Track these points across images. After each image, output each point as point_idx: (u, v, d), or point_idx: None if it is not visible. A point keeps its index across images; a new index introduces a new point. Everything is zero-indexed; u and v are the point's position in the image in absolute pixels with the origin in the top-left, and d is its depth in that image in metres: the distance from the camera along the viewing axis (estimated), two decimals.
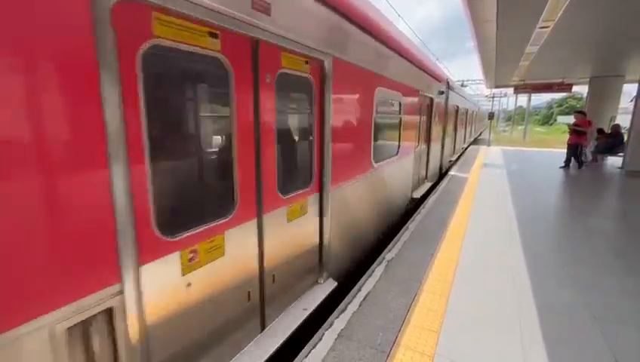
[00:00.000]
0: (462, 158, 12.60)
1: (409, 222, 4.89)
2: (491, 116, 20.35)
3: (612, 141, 10.89)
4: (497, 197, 6.26)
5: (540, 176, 8.81)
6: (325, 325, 2.46)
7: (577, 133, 9.70)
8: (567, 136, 10.37)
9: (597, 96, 14.14)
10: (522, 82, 16.50)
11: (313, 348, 2.21)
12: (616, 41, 8.40)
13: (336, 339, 2.30)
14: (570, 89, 16.52)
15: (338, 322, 2.49)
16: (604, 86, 13.94)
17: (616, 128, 11.16)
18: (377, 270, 3.33)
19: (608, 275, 3.26)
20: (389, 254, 3.71)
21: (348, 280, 3.42)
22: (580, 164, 9.90)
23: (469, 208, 5.54)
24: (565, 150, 10.09)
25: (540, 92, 17.39)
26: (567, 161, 9.93)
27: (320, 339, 2.29)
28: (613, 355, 2.18)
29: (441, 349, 2.20)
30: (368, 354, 2.16)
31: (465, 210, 5.41)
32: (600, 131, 11.34)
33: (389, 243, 4.14)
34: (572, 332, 2.42)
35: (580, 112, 10.18)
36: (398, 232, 4.49)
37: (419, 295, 2.88)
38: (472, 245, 3.97)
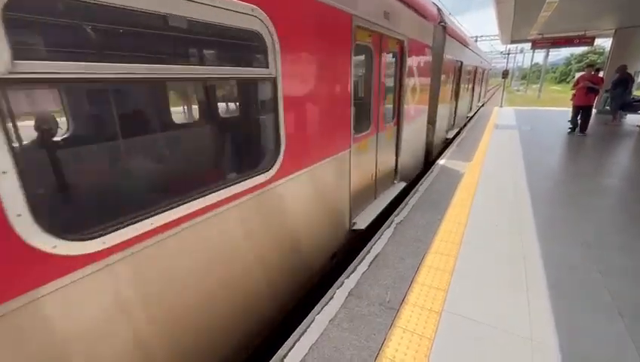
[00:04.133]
0: (474, 118, 12.23)
1: (418, 185, 4.88)
2: (505, 74, 19.36)
3: (620, 90, 9.58)
4: (508, 159, 6.15)
5: (553, 136, 8.54)
6: (337, 283, 2.57)
7: (592, 91, 8.35)
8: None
9: (622, 50, 13.17)
10: (541, 36, 15.40)
11: (325, 305, 2.33)
12: None
13: (346, 297, 2.41)
14: (593, 42, 15.34)
15: (348, 281, 2.59)
16: (631, 38, 12.93)
17: (623, 69, 9.67)
18: (386, 233, 3.39)
19: (617, 234, 3.26)
20: (398, 217, 3.75)
21: (410, 184, 5.37)
22: (584, 129, 8.57)
23: (478, 170, 5.48)
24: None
25: (559, 46, 16.19)
26: (574, 125, 8.79)
27: (332, 298, 2.40)
28: (616, 307, 2.24)
29: (448, 306, 2.29)
30: (377, 311, 2.27)
31: (474, 173, 5.35)
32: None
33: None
34: (576, 287, 2.47)
35: (591, 66, 8.89)
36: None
37: (427, 255, 2.95)
38: (480, 207, 3.98)
